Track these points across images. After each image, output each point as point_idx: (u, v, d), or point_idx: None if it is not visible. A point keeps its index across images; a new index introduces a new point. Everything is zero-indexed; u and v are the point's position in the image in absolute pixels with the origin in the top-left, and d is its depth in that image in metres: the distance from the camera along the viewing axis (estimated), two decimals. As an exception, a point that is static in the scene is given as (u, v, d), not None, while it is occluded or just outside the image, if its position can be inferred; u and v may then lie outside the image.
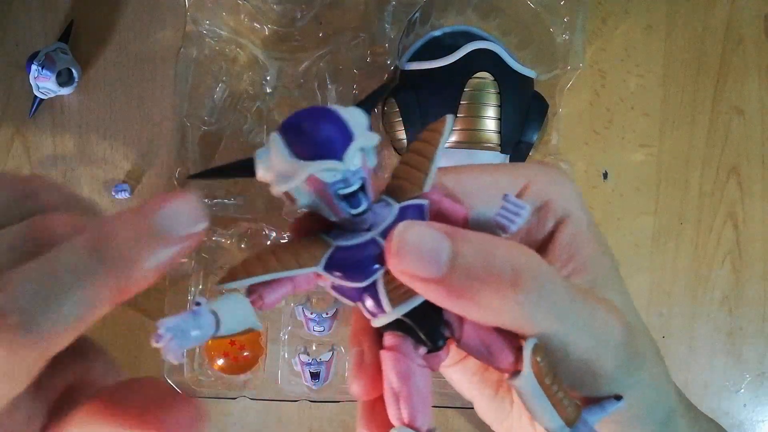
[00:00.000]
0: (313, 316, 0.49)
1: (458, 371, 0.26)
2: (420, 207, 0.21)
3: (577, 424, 0.20)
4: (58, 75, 0.49)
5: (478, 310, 0.19)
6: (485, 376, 0.26)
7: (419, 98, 0.46)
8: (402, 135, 0.47)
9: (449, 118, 0.22)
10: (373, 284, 0.20)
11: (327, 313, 0.49)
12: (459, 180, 0.23)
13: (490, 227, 0.20)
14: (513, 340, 0.20)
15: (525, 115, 0.46)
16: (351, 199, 0.19)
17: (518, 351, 0.20)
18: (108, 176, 0.52)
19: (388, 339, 0.20)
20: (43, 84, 0.49)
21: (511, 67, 0.45)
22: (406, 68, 0.47)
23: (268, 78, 0.49)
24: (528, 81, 0.47)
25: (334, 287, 0.20)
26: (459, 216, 0.21)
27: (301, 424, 0.53)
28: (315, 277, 0.20)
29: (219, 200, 0.50)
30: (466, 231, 0.20)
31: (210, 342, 0.49)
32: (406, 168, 0.21)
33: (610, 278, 0.24)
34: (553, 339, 0.20)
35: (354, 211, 0.19)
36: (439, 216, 0.21)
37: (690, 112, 0.54)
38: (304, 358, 0.49)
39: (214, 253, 0.50)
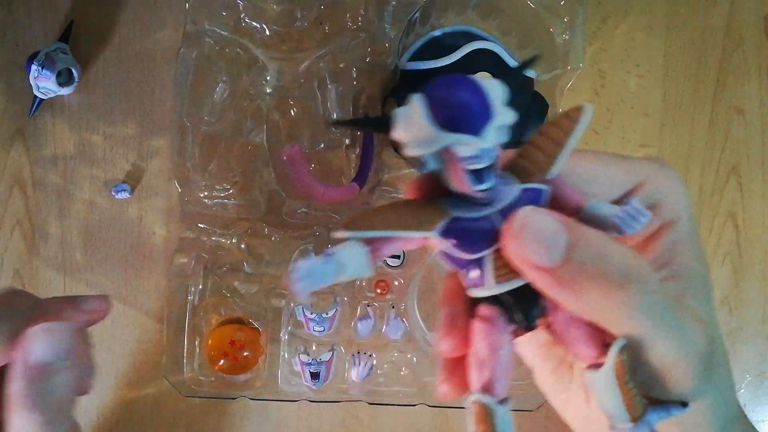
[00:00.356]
0: (313, 316, 0.49)
1: (527, 339, 0.27)
2: (540, 192, 0.21)
3: (640, 422, 0.21)
4: (58, 75, 0.49)
5: (580, 303, 0.20)
6: (551, 351, 0.27)
7: None
8: None
9: (588, 107, 0.22)
10: (482, 258, 0.21)
11: (327, 313, 0.49)
12: (578, 166, 0.23)
13: (604, 223, 0.21)
14: (599, 333, 0.21)
15: (525, 115, 0.46)
16: (478, 174, 0.19)
17: (603, 347, 0.21)
18: (108, 176, 0.52)
19: (484, 310, 0.21)
20: (43, 84, 0.49)
21: (511, 67, 0.45)
22: (406, 68, 0.47)
23: (268, 78, 0.49)
24: (528, 81, 0.47)
25: (443, 252, 0.21)
26: (574, 205, 0.21)
27: (300, 424, 0.53)
28: (426, 239, 0.21)
29: (219, 200, 0.50)
30: (584, 227, 0.20)
31: (210, 342, 0.49)
32: (534, 150, 0.22)
33: (700, 288, 0.24)
34: (641, 340, 0.20)
35: (479, 187, 0.19)
36: (556, 201, 0.21)
37: (690, 112, 0.54)
38: (304, 358, 0.49)
39: (214, 253, 0.50)
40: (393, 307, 0.50)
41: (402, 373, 0.50)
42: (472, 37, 0.47)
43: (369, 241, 0.20)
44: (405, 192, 0.22)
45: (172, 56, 0.51)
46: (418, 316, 0.49)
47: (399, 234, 0.20)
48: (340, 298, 0.50)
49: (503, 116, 0.19)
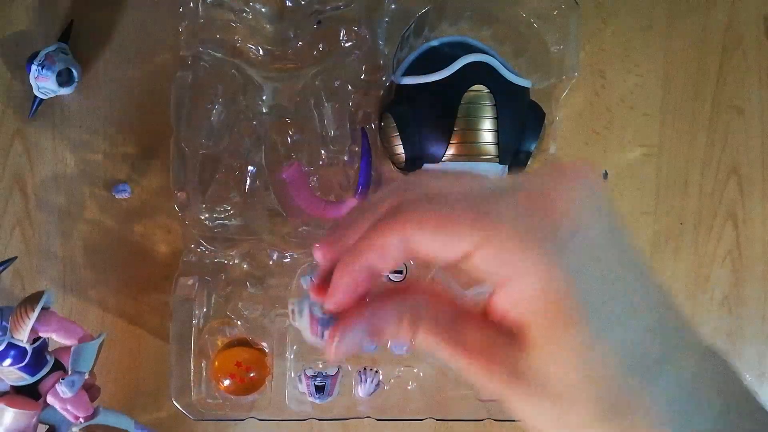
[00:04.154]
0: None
1: None
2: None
3: None
4: (58, 75, 0.49)
5: None
6: None
7: (415, 113, 0.46)
8: (400, 149, 0.47)
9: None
10: None
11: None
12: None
13: None
14: None
15: (522, 125, 0.46)
16: None
17: None
18: (108, 176, 0.52)
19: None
20: (43, 84, 0.49)
21: (506, 78, 0.45)
22: (401, 83, 0.47)
23: (264, 98, 0.49)
24: (524, 91, 0.47)
25: None
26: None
27: None
28: None
29: (220, 222, 0.49)
30: None
31: (216, 364, 0.49)
32: None
33: None
34: None
35: None
36: None
37: (690, 112, 0.54)
38: (309, 371, 0.49)
39: (217, 274, 0.50)
40: None
41: (409, 387, 0.51)
42: (468, 47, 0.47)
43: None
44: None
45: (172, 56, 0.51)
46: None
47: None
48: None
49: None
